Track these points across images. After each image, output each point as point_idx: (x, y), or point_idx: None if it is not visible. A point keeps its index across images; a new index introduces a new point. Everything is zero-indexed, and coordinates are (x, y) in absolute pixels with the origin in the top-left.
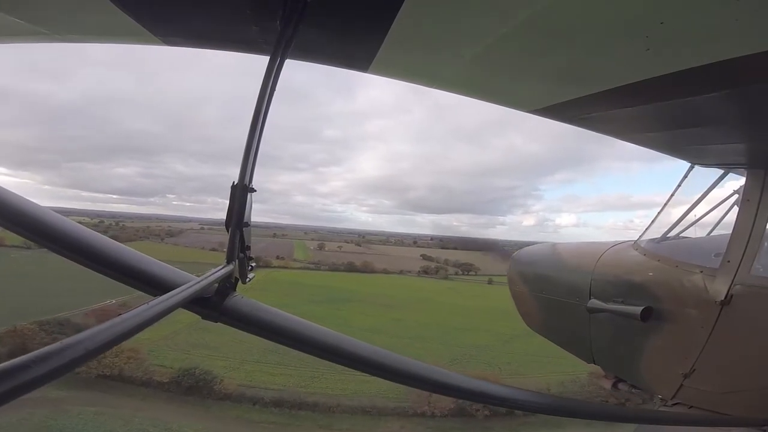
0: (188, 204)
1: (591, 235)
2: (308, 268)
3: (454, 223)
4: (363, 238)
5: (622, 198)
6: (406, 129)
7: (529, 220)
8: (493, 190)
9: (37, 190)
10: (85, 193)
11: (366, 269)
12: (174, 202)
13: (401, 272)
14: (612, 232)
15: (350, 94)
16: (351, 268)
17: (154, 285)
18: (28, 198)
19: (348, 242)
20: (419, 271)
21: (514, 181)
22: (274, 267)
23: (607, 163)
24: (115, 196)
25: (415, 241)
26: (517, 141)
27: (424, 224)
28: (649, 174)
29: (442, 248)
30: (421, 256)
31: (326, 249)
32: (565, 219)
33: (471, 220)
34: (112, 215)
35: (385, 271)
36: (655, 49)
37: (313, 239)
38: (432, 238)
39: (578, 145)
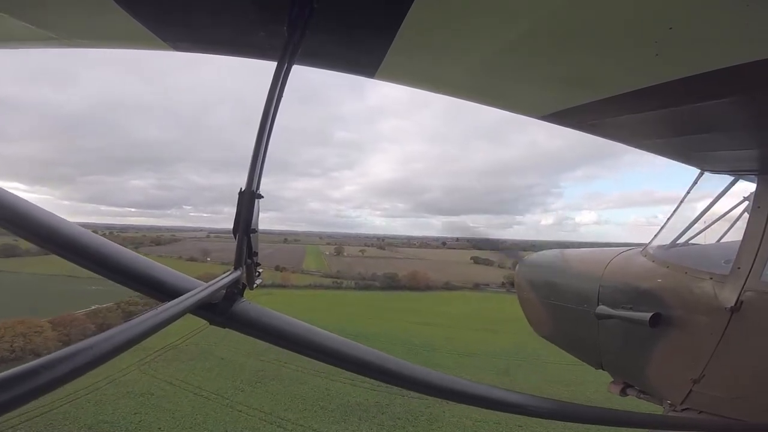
0: (206, 215)
1: (612, 232)
2: (322, 286)
3: (470, 224)
4: (383, 241)
5: (646, 194)
6: (420, 127)
7: (547, 219)
8: (511, 189)
9: (58, 206)
10: (104, 208)
11: (418, 284)
12: (191, 214)
13: (476, 287)
14: (634, 229)
15: (361, 93)
16: (392, 284)
17: (162, 291)
18: (33, 203)
19: (368, 246)
20: (504, 284)
21: (533, 178)
22: (267, 287)
23: (632, 157)
24: (133, 210)
25: (444, 242)
26: (540, 137)
27: (439, 226)
28: (674, 168)
29: (477, 248)
30: (471, 259)
31: (345, 254)
32: (585, 217)
33: (488, 220)
34: (123, 228)
35: (448, 287)
36: (665, 55)
37: (328, 244)
38: (458, 238)
39: (602, 139)
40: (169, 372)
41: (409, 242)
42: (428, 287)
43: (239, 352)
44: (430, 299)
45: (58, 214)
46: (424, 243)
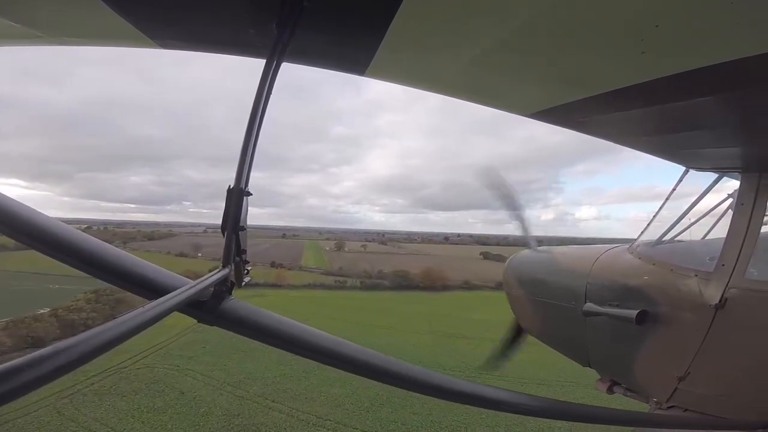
0: (205, 210)
1: (612, 227)
2: (323, 285)
3: (470, 220)
4: (384, 237)
5: (646, 189)
6: (417, 123)
7: (547, 215)
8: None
9: (59, 203)
10: (104, 204)
11: (433, 284)
12: (190, 209)
13: (499, 286)
14: (635, 224)
15: (357, 88)
16: (403, 283)
17: (150, 288)
18: (21, 201)
19: (369, 241)
20: None
21: (533, 174)
22: (260, 286)
23: (631, 152)
24: (132, 206)
25: (447, 237)
26: (538, 132)
27: (438, 222)
28: (673, 163)
29: (482, 244)
30: (481, 255)
31: (347, 250)
32: (585, 212)
33: (486, 216)
34: (120, 224)
35: (468, 286)
36: (651, 52)
37: (328, 239)
38: (459, 234)
39: None
40: (97, 412)
41: (410, 238)
42: (445, 287)
43: (209, 383)
44: (449, 301)
45: (52, 213)
46: (426, 238)
